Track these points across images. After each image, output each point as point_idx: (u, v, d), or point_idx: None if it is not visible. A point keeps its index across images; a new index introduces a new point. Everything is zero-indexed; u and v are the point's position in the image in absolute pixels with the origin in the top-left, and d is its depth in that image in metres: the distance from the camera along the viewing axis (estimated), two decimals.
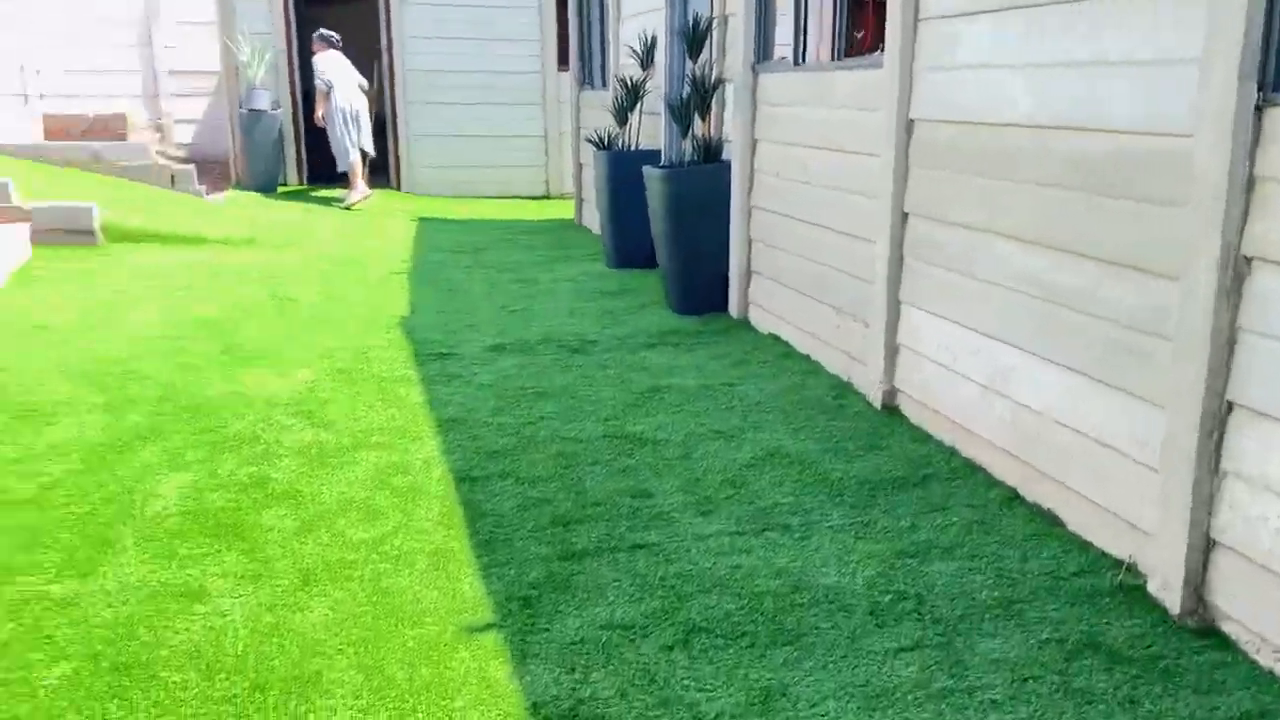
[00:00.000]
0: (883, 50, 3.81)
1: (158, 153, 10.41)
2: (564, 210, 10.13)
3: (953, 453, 3.47)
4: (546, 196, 11.56)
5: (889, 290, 3.82)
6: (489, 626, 2.40)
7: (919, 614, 2.46)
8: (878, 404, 3.92)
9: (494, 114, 11.51)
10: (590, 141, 7.24)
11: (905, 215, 3.75)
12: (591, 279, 6.63)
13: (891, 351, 3.87)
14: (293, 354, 4.56)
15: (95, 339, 4.70)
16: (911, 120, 3.68)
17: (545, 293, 6.17)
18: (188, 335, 4.85)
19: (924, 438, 3.62)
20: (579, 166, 9.32)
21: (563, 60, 10.79)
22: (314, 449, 3.44)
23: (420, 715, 2.08)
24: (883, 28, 3.80)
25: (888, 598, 2.53)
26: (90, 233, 7.07)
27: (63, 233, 6.96)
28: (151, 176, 9.37)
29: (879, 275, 3.88)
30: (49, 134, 11.29)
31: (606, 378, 4.32)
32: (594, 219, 8.28)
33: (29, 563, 2.59)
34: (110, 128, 11.55)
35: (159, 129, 13.02)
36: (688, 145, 5.77)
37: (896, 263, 3.80)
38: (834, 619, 2.44)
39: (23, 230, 6.64)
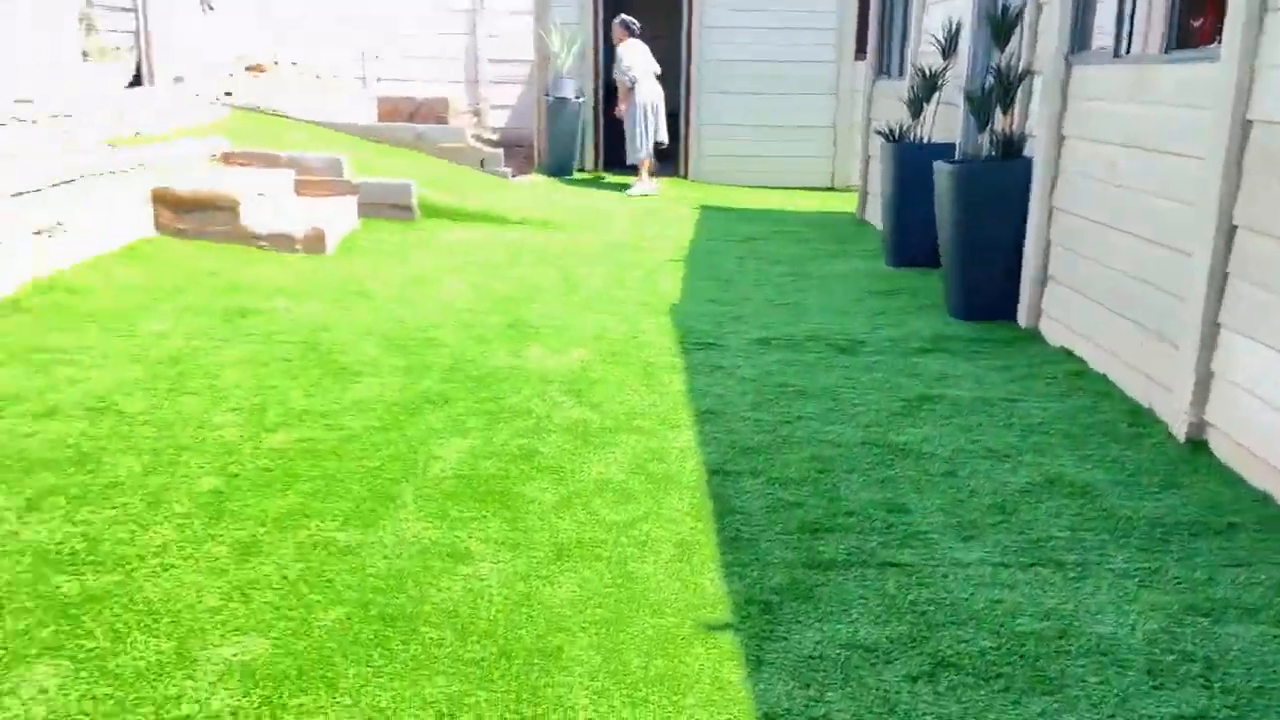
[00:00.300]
0: (1219, 42, 3.39)
1: (472, 136, 11.23)
2: (847, 203, 9.90)
3: (1266, 500, 3.04)
4: (831, 188, 11.35)
5: (1205, 310, 3.40)
6: (726, 626, 2.38)
7: (1206, 680, 2.18)
8: (1181, 436, 3.51)
9: (784, 104, 11.44)
10: (879, 133, 7.01)
11: (1233, 228, 3.32)
12: (868, 276, 6.44)
13: (1203, 379, 3.45)
14: (571, 333, 4.76)
15: (404, 307, 5.14)
16: (1249, 121, 3.24)
17: (817, 288, 6.05)
18: (483, 309, 5.18)
19: (1234, 480, 3.20)
20: (866, 159, 9.07)
21: (860, 49, 10.52)
22: (580, 427, 3.56)
23: (651, 707, 2.10)
24: (1224, 15, 3.38)
25: (1170, 657, 2.26)
26: (408, 208, 7.73)
27: (385, 207, 7.67)
28: (464, 158, 10.11)
29: (1194, 293, 3.47)
30: (381, 115, 12.48)
31: (873, 381, 4.17)
32: (877, 214, 8.03)
33: (323, 509, 2.86)
34: (434, 111, 12.60)
35: (476, 113, 14.04)
36: (985, 140, 5.43)
37: (1218, 280, 3.37)
38: (1104, 673, 2.21)
39: (351, 203, 7.38)
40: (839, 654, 2.27)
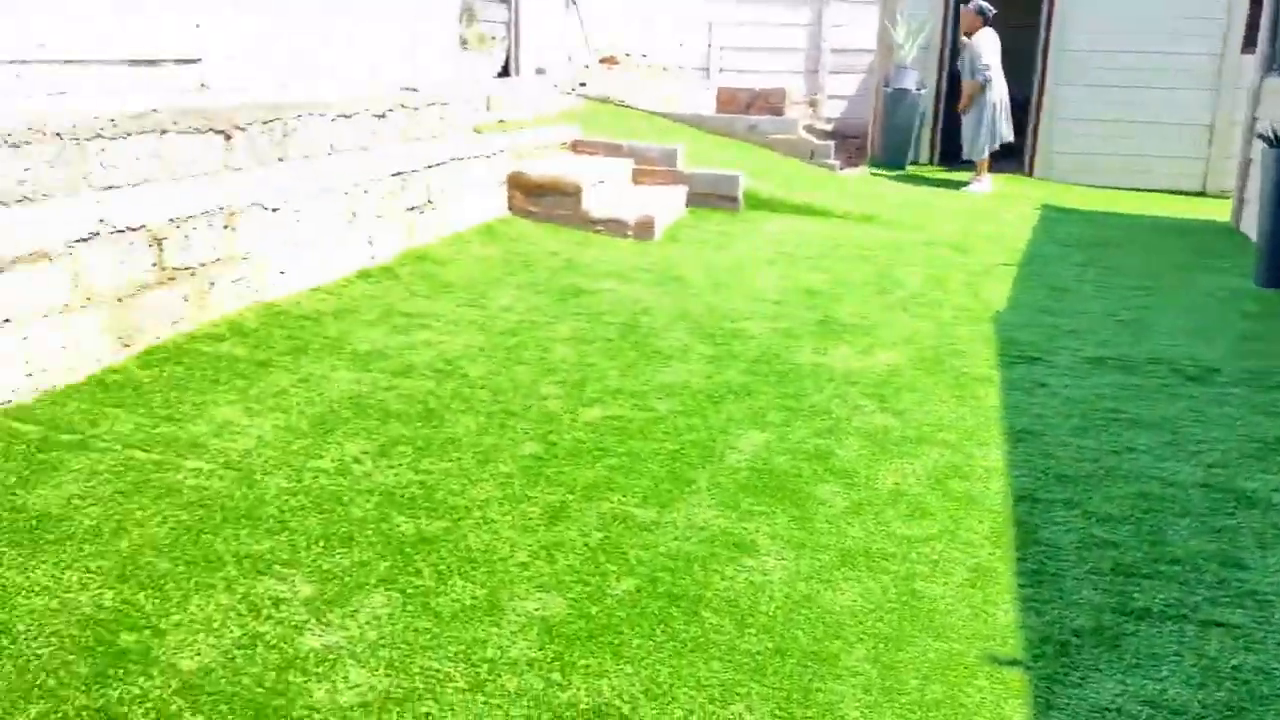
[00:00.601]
0: None
1: (804, 127, 11.24)
2: (1218, 210, 8.86)
3: None
4: (1201, 193, 10.22)
5: None
6: (1015, 663, 2.26)
7: None
8: None
9: (1154, 99, 10.43)
10: (1261, 136, 6.21)
11: None
12: (1232, 296, 5.74)
13: None
14: (880, 334, 4.67)
15: (718, 296, 5.28)
16: None
17: (1170, 305, 5.49)
18: (793, 303, 5.21)
19: None
20: (1245, 162, 8.06)
21: (1249, 41, 9.34)
22: (880, 434, 3.50)
23: None
24: None
25: None
26: (734, 199, 7.90)
27: (713, 197, 7.89)
28: (794, 149, 10.16)
29: None
30: (720, 105, 12.80)
31: (1223, 416, 3.73)
32: (1254, 224, 7.12)
33: (625, 485, 3.04)
34: (770, 101, 12.74)
35: (812, 104, 14.05)
36: None
37: None
38: None
39: (681, 192, 7.67)
40: (1140, 711, 2.09)
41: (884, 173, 10.63)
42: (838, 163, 10.19)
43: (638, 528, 2.79)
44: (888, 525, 2.86)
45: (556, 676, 2.16)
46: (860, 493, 3.05)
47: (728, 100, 12.79)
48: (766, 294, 5.38)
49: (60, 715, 1.95)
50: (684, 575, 2.57)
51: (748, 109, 12.44)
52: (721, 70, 14.34)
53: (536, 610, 2.39)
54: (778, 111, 12.18)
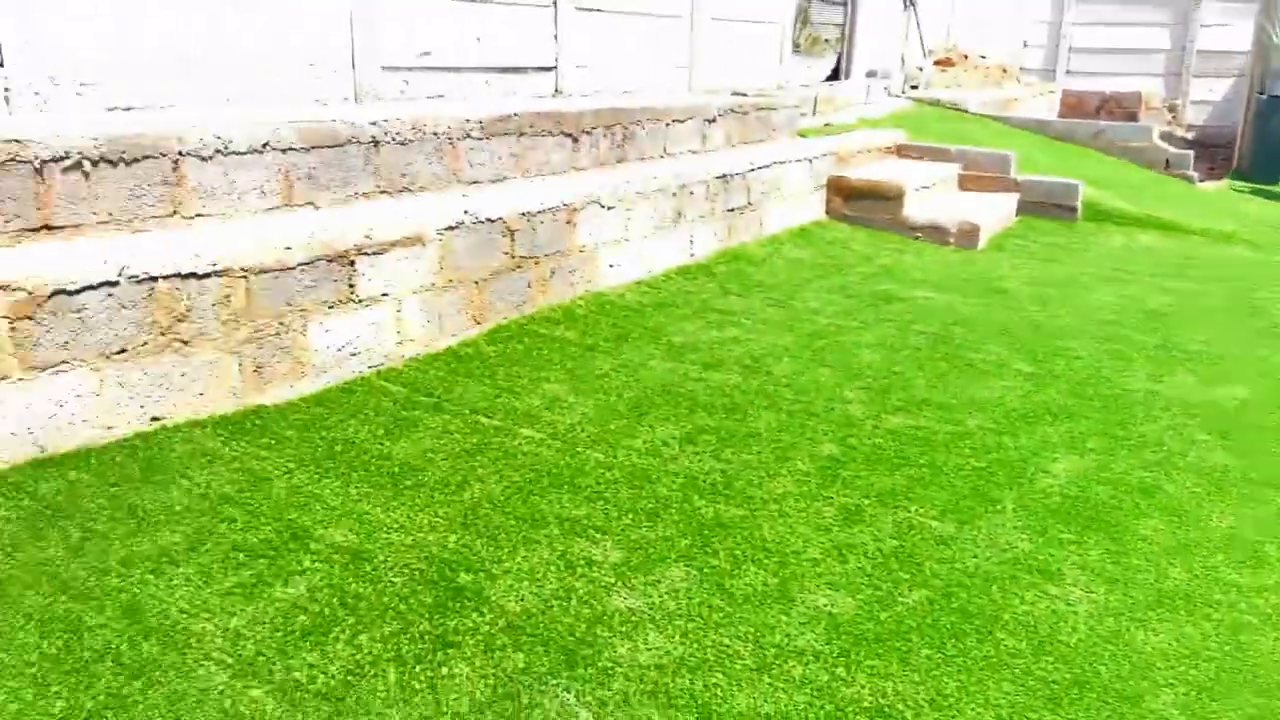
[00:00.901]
0: None
1: (1160, 135, 10.32)
2: None
3: None
4: None
5: None
6: None
7: None
8: None
9: None
10: None
11: None
12: None
13: None
14: (1230, 364, 4.25)
15: (1043, 311, 5.03)
16: None
17: None
18: (1129, 323, 4.86)
19: None
20: None
21: None
22: (1218, 473, 3.21)
23: None
24: None
25: None
26: (1071, 209, 7.44)
27: (1047, 206, 7.48)
28: (1146, 157, 9.37)
29: None
30: (1064, 109, 12.06)
31: None
32: None
33: (923, 496, 3.01)
34: (1123, 106, 11.82)
35: (1172, 109, 12.86)
36: None
37: None
38: None
39: (1012, 200, 7.33)
40: None
41: (1251, 187, 9.53)
42: (1197, 174, 9.29)
43: (934, 540, 2.77)
44: (1215, 570, 2.64)
45: (841, 672, 2.22)
46: (1188, 533, 2.83)
47: (1073, 104, 12.02)
48: (1099, 312, 5.05)
49: (408, 636, 2.28)
50: (980, 594, 2.52)
51: (1096, 113, 11.63)
52: (1068, 72, 13.49)
53: (825, 606, 2.45)
54: (1131, 117, 11.29)
